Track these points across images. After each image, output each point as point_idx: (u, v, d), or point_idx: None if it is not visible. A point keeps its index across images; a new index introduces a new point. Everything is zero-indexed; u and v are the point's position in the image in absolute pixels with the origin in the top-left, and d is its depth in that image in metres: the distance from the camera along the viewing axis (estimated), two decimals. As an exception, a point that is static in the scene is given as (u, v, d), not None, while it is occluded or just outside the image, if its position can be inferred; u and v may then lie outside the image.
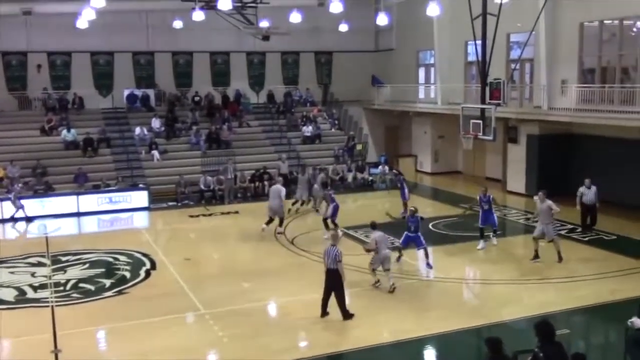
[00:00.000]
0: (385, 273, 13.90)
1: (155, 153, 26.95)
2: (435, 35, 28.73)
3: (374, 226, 14.43)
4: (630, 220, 19.31)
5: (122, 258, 17.00)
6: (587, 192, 18.38)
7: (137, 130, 27.80)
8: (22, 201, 21.85)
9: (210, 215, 22.61)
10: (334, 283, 12.10)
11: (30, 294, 14.32)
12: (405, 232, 15.64)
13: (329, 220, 18.63)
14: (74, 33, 28.05)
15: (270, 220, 19.03)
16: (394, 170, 22.72)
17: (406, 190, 21.26)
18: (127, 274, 15.65)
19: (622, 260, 15.77)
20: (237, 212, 22.81)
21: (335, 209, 18.60)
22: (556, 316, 11.68)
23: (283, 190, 19.24)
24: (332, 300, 12.14)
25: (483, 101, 19.88)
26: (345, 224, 19.36)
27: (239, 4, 26.99)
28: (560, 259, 15.56)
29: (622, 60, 21.21)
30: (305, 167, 24.76)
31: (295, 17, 26.33)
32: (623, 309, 12.40)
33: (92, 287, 14.61)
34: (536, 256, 15.80)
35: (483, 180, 27.97)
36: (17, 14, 26.49)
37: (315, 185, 22.35)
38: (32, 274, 15.71)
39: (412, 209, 15.95)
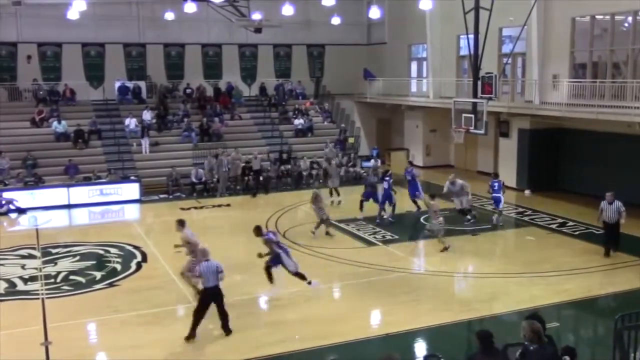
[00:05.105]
0: None
1: (146, 145, 26.82)
2: (428, 29, 28.70)
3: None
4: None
5: (113, 250, 16.96)
6: (607, 208, 15.40)
7: (128, 122, 27.66)
8: (9, 194, 21.89)
9: (201, 207, 22.56)
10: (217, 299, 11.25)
11: (21, 286, 14.27)
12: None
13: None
14: (64, 24, 27.89)
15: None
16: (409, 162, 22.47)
17: (419, 186, 20.72)
18: (118, 267, 15.61)
19: (612, 254, 15.84)
20: (228, 205, 22.78)
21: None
22: (546, 309, 11.74)
23: None
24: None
25: (475, 95, 19.93)
26: (337, 217, 19.45)
27: (231, -4, 26.90)
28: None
29: (613, 55, 21.29)
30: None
31: (288, 10, 26.20)
32: (612, 303, 12.54)
33: (82, 280, 14.57)
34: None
35: (474, 173, 28.09)
36: (7, 4, 26.23)
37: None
38: (22, 266, 15.64)
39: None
